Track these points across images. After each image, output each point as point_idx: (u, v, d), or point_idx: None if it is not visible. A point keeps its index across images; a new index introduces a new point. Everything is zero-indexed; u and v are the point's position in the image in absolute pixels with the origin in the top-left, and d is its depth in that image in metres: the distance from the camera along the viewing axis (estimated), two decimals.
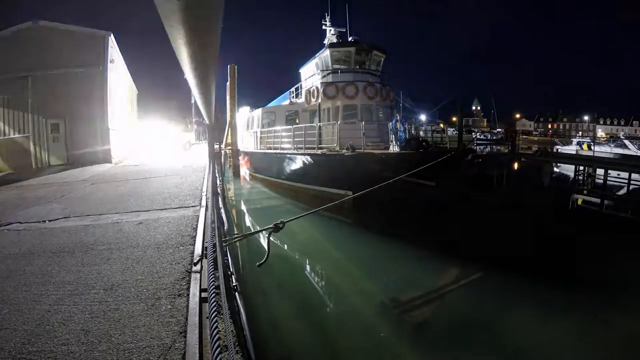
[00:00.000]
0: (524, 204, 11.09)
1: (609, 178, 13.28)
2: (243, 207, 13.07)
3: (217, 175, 8.86)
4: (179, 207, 5.42)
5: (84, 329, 2.17)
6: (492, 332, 4.75)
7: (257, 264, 3.58)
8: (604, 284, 6.10)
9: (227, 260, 3.59)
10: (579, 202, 12.81)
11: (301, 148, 11.14)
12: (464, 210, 10.78)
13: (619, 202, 12.45)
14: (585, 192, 14.01)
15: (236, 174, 18.01)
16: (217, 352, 1.60)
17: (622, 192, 13.29)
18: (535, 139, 55.24)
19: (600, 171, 14.11)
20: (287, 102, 16.59)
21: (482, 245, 7.69)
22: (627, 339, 4.65)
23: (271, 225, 3.73)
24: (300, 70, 16.27)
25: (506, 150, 18.76)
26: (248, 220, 11.29)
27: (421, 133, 12.25)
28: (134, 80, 25.53)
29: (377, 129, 12.53)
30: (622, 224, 10.25)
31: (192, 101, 40.98)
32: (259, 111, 16.40)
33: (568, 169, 16.66)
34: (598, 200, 12.11)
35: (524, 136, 51.45)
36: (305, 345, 4.57)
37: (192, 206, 5.47)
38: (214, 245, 3.09)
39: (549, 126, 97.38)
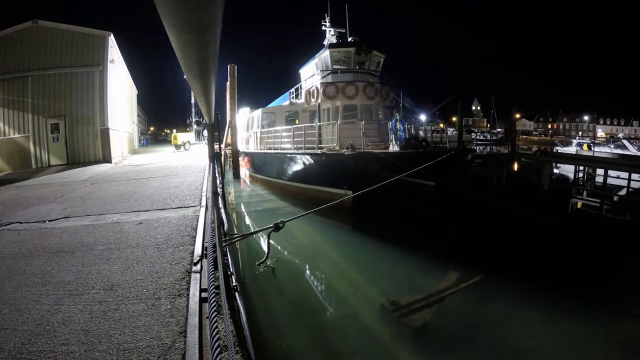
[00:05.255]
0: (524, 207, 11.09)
1: (608, 179, 13.30)
2: (243, 207, 13.07)
3: (217, 175, 8.86)
4: (179, 207, 5.42)
5: (84, 329, 2.17)
6: (492, 335, 4.74)
7: (257, 262, 3.59)
8: (605, 286, 6.10)
9: (227, 260, 3.59)
10: (579, 205, 12.81)
11: (301, 148, 11.14)
12: (464, 211, 10.80)
13: (619, 205, 12.46)
14: (585, 193, 14.02)
15: (236, 174, 18.01)
16: (217, 352, 1.60)
17: (622, 192, 13.29)
18: (535, 139, 55.28)
19: (600, 171, 14.12)
20: (287, 102, 16.61)
21: (482, 247, 7.70)
22: (628, 342, 4.65)
23: (271, 225, 3.75)
24: (300, 71, 16.29)
25: (506, 151, 18.76)
26: (248, 220, 11.28)
27: (421, 133, 12.25)
28: (134, 80, 25.59)
29: (377, 129, 12.54)
30: (621, 226, 10.26)
31: (192, 101, 41.09)
32: (259, 112, 16.42)
33: (568, 170, 16.66)
34: (597, 204, 12.13)
35: (524, 136, 51.57)
36: (305, 346, 4.56)
37: (192, 206, 5.47)
38: (214, 245, 3.09)
39: (549, 126, 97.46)
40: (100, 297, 2.59)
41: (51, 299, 2.59)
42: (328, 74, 13.46)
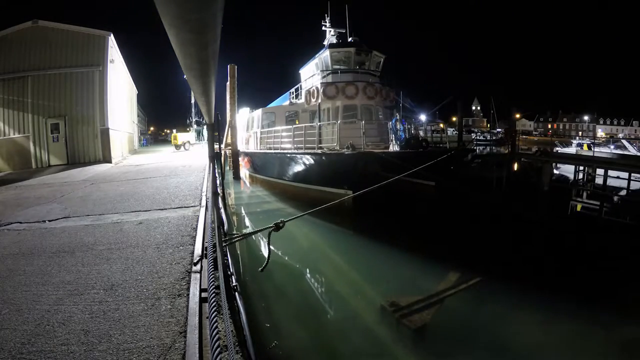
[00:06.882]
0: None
1: (608, 179, 13.31)
2: (243, 208, 13.07)
3: (217, 175, 8.85)
4: (179, 207, 5.42)
5: (84, 329, 2.17)
6: (492, 335, 4.74)
7: (259, 269, 3.59)
8: (604, 287, 6.09)
9: (227, 260, 3.58)
10: (579, 207, 12.82)
11: (301, 148, 11.14)
12: (464, 211, 10.80)
13: (619, 206, 12.47)
14: (585, 194, 14.03)
15: (236, 174, 18.01)
16: (217, 352, 1.60)
17: (622, 193, 13.30)
18: (535, 139, 55.28)
19: (600, 171, 14.13)
20: (287, 102, 16.61)
21: (481, 248, 7.69)
22: (627, 342, 4.65)
23: (271, 225, 3.74)
24: (300, 71, 16.29)
25: (506, 151, 18.77)
26: (248, 220, 11.28)
27: (421, 133, 12.26)
28: (134, 80, 25.58)
29: (377, 129, 12.55)
30: (621, 227, 10.25)
31: (192, 101, 41.06)
32: (259, 112, 16.42)
33: (568, 170, 16.66)
34: (597, 205, 12.14)
35: (524, 136, 51.59)
36: (305, 346, 4.56)
37: (192, 206, 5.47)
38: (214, 245, 3.09)
39: (549, 126, 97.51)
40: (100, 297, 2.59)
41: (51, 299, 2.59)
42: (328, 74, 13.46)
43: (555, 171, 16.77)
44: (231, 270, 3.46)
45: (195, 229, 4.19)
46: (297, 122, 14.68)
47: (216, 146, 12.18)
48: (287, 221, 3.80)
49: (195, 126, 41.03)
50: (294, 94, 16.40)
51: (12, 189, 8.48)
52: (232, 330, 1.99)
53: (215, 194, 5.85)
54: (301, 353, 4.40)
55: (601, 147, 21.74)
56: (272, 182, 14.35)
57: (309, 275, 6.94)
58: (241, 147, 18.45)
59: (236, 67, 18.20)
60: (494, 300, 5.55)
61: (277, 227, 3.74)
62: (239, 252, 7.62)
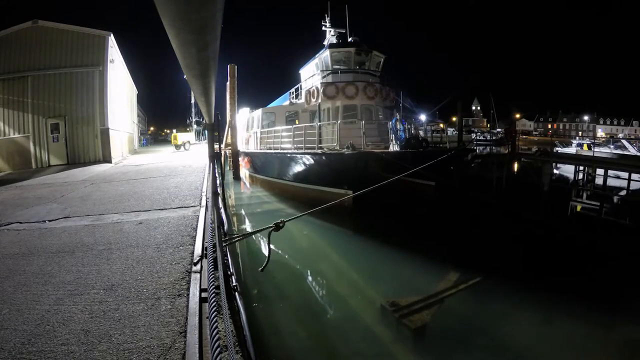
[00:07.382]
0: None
1: (608, 179, 13.32)
2: (243, 207, 13.06)
3: (217, 175, 8.85)
4: (179, 207, 5.42)
5: (84, 329, 2.18)
6: (492, 335, 4.74)
7: (259, 269, 3.59)
8: (604, 287, 6.09)
9: (227, 260, 3.58)
10: (578, 208, 12.82)
11: (301, 148, 11.14)
12: (464, 211, 10.81)
13: (619, 206, 12.48)
14: (585, 194, 14.05)
15: (236, 174, 18.01)
16: (217, 352, 1.60)
17: (622, 193, 13.31)
18: (535, 139, 55.30)
19: (600, 171, 14.15)
20: (287, 102, 16.61)
21: (481, 248, 7.70)
22: (627, 342, 4.65)
23: (271, 225, 3.75)
24: (300, 71, 16.30)
25: (506, 151, 18.78)
26: (248, 220, 11.28)
27: (421, 133, 12.25)
28: (134, 80, 25.58)
29: (377, 129, 12.54)
30: (621, 227, 10.26)
31: (192, 101, 41.09)
32: (259, 112, 16.42)
33: (568, 170, 16.67)
34: (597, 206, 12.15)
35: (524, 136, 51.64)
36: (305, 346, 4.56)
37: (192, 206, 5.47)
38: (214, 245, 3.09)
39: (549, 126, 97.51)
40: (100, 297, 2.59)
41: (51, 299, 2.59)
42: (328, 74, 13.45)
43: (555, 171, 16.78)
44: (231, 270, 3.46)
45: (195, 229, 4.19)
46: (297, 122, 14.67)
47: (216, 146, 12.18)
48: (287, 221, 3.80)
49: (195, 126, 41.06)
50: (294, 94, 16.40)
51: (12, 189, 8.48)
52: (232, 330, 1.99)
53: (215, 194, 5.85)
54: (301, 353, 4.41)
55: (601, 147, 21.73)
56: (272, 182, 14.34)
57: (309, 275, 6.94)
58: (241, 147, 18.44)
59: (236, 67, 18.21)
60: (494, 300, 5.55)
61: (277, 227, 3.75)
62: (239, 252, 7.62)
